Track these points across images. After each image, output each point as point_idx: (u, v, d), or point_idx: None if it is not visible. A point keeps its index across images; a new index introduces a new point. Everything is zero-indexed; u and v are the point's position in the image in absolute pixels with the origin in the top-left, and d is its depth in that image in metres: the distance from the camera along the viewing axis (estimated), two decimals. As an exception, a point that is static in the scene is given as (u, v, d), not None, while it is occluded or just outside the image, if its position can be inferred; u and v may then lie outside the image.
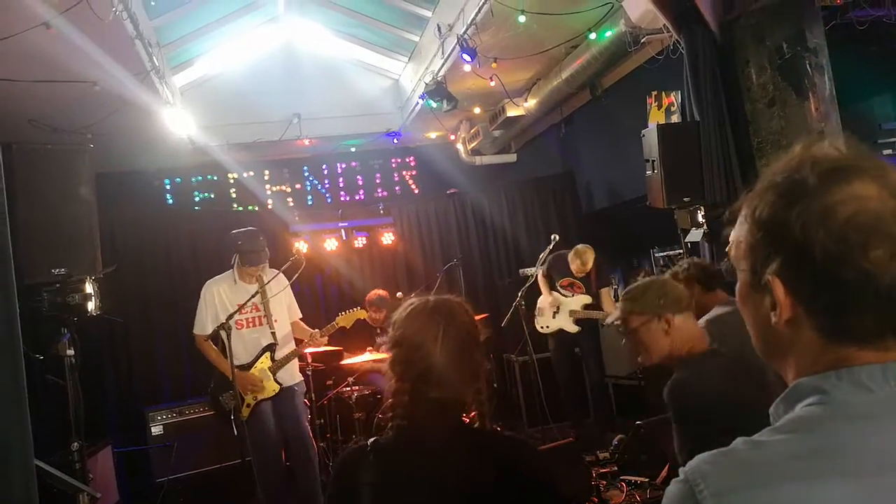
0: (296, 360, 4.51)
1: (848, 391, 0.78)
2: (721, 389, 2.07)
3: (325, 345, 4.88)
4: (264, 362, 4.28)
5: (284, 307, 4.50)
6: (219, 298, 4.32)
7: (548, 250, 5.87)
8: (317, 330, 4.50)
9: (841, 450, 0.73)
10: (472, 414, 1.67)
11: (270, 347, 4.29)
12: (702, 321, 2.89)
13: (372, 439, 1.55)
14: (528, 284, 5.79)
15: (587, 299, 5.67)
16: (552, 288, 5.85)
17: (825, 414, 0.77)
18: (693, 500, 0.74)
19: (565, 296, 5.80)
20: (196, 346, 4.34)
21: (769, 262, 0.82)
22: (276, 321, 4.36)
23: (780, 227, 0.80)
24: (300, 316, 4.65)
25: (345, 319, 4.63)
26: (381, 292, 6.04)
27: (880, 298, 0.76)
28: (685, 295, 2.27)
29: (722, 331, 2.70)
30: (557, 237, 5.87)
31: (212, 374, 4.37)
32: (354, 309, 4.79)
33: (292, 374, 4.46)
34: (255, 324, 4.33)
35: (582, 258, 5.55)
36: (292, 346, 4.47)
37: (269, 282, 4.29)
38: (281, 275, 4.38)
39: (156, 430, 5.46)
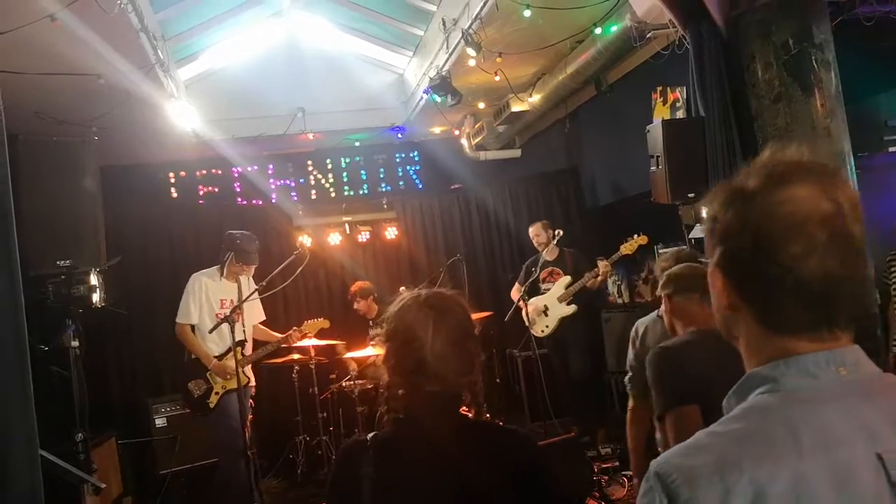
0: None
1: (796, 378, 0.85)
2: (698, 361, 2.18)
3: (321, 339, 5.22)
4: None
5: (253, 309, 4.75)
6: (203, 291, 4.52)
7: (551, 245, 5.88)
8: (293, 331, 4.85)
9: (793, 432, 0.80)
10: (471, 408, 1.67)
11: (241, 343, 4.45)
12: None
13: (371, 434, 1.55)
14: (531, 279, 5.79)
15: (567, 279, 5.69)
16: (535, 292, 5.83)
17: (776, 401, 0.85)
18: (666, 489, 0.80)
19: (546, 290, 5.80)
20: (176, 334, 4.52)
21: (713, 254, 0.92)
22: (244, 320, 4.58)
23: (720, 224, 0.90)
24: (263, 318, 4.93)
25: (310, 327, 5.01)
26: (363, 283, 6.19)
27: (802, 292, 0.83)
28: (692, 276, 2.42)
29: None
30: (561, 232, 5.87)
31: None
32: (318, 319, 5.16)
33: (248, 375, 4.68)
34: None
35: (534, 236, 5.90)
36: (251, 345, 4.73)
37: (255, 289, 4.54)
38: (251, 279, 4.68)
39: (159, 422, 5.48)
